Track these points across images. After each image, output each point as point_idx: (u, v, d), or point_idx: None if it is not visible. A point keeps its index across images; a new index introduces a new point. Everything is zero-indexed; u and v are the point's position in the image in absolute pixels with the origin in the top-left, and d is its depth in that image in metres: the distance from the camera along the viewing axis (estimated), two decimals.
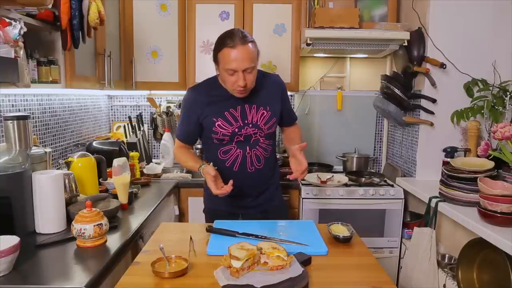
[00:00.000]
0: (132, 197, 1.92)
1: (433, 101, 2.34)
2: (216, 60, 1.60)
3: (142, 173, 2.49)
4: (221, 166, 1.66)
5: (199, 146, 2.90)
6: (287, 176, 1.59)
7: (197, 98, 1.69)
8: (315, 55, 2.88)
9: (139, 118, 2.90)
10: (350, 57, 2.93)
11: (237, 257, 1.06)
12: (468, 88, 2.25)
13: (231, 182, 1.53)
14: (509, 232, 1.50)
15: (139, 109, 3.01)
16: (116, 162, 1.83)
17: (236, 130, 1.64)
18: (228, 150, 1.68)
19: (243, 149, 1.68)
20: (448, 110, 2.28)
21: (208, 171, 1.55)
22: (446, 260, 2.02)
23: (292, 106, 2.96)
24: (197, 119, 1.67)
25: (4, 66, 1.27)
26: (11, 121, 1.50)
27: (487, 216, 1.60)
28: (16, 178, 1.38)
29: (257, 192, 1.77)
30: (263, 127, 1.67)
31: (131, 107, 3.01)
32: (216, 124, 1.64)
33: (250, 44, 1.54)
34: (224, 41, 1.54)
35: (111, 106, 3.02)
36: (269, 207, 1.78)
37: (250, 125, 1.66)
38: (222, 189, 1.53)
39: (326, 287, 1.08)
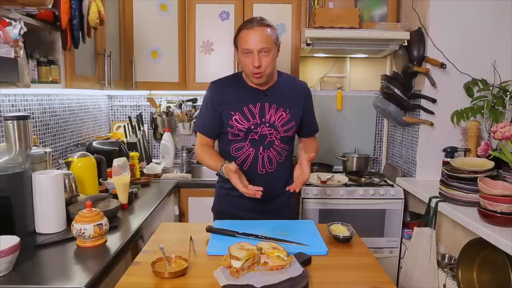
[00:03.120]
0: (132, 197, 1.92)
1: (433, 101, 2.34)
2: (236, 45, 1.63)
3: (142, 173, 2.49)
4: None
5: None
6: (287, 188, 1.54)
7: (219, 91, 1.69)
8: (315, 55, 2.88)
9: (139, 118, 2.90)
10: (350, 57, 2.93)
11: (237, 257, 1.06)
12: (468, 88, 2.25)
13: (260, 188, 1.48)
14: (509, 232, 1.50)
15: (139, 109, 3.01)
16: (116, 162, 1.83)
17: (252, 127, 1.62)
18: (240, 147, 1.66)
19: (256, 148, 1.65)
20: (448, 110, 2.28)
21: (230, 168, 1.49)
22: (446, 260, 2.02)
23: None
24: (218, 111, 1.66)
25: (4, 66, 1.27)
26: (11, 121, 1.50)
27: (487, 216, 1.60)
28: (16, 178, 1.38)
29: (265, 197, 1.65)
30: (279, 129, 1.64)
31: (131, 107, 3.01)
32: (233, 118, 1.63)
33: (267, 28, 1.56)
34: (243, 25, 1.59)
35: (111, 106, 3.02)
36: (277, 217, 1.65)
37: (267, 124, 1.63)
38: (250, 189, 1.47)
39: (326, 287, 1.08)
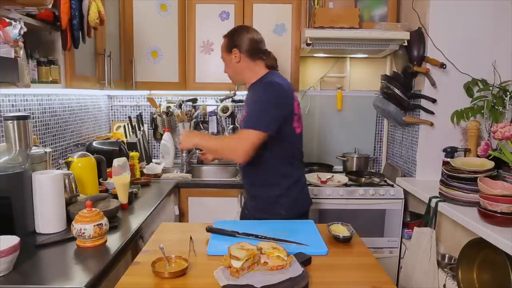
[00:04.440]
0: (132, 197, 1.92)
1: (433, 101, 2.34)
2: None
3: (142, 173, 2.49)
4: None
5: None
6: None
7: None
8: (315, 55, 2.88)
9: (139, 118, 2.90)
10: (350, 57, 2.93)
11: (237, 257, 1.06)
12: (468, 88, 2.25)
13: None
14: (509, 232, 1.50)
15: (139, 109, 3.01)
16: (116, 162, 1.83)
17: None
18: None
19: None
20: (448, 110, 2.28)
21: None
22: (446, 260, 2.02)
23: None
24: None
25: (4, 66, 1.27)
26: (11, 121, 1.50)
27: (487, 216, 1.60)
28: (16, 178, 1.38)
29: (247, 193, 1.86)
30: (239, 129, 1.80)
31: (131, 107, 3.01)
32: None
33: (223, 39, 1.82)
34: None
35: (111, 106, 3.02)
36: (270, 212, 1.70)
37: (240, 126, 1.78)
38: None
39: (326, 287, 1.08)
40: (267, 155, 1.66)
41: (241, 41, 1.72)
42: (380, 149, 3.02)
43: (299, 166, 1.79)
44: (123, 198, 1.81)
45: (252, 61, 1.73)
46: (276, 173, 1.70)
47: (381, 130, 3.01)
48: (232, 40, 1.73)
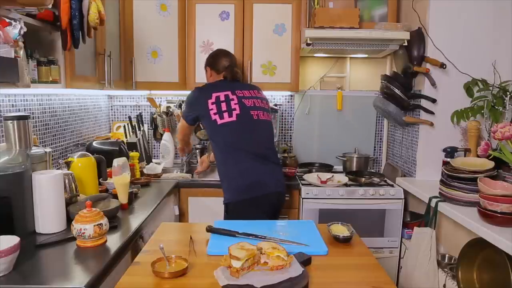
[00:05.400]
0: (132, 197, 1.92)
1: (433, 101, 2.34)
2: None
3: (142, 173, 2.49)
4: None
5: (198, 146, 2.91)
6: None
7: None
8: (315, 55, 2.88)
9: (139, 118, 2.90)
10: (350, 57, 2.93)
11: (237, 257, 1.06)
12: (468, 88, 2.25)
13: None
14: (509, 232, 1.50)
15: (139, 109, 3.01)
16: (116, 162, 1.83)
17: None
18: None
19: None
20: (448, 110, 2.28)
21: None
22: (446, 260, 2.02)
23: (291, 106, 2.98)
24: None
25: (4, 66, 1.27)
26: (11, 121, 1.50)
27: (487, 216, 1.60)
28: (16, 178, 1.38)
29: None
30: None
31: (131, 107, 3.01)
32: None
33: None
34: None
35: (111, 106, 3.02)
36: None
37: None
38: None
39: (326, 287, 1.08)
40: (212, 144, 2.07)
41: (213, 62, 2.23)
42: (380, 149, 3.02)
43: (241, 155, 1.99)
44: (123, 198, 1.81)
45: (217, 74, 2.20)
46: (218, 159, 2.06)
47: (381, 130, 3.01)
48: (208, 61, 2.26)
